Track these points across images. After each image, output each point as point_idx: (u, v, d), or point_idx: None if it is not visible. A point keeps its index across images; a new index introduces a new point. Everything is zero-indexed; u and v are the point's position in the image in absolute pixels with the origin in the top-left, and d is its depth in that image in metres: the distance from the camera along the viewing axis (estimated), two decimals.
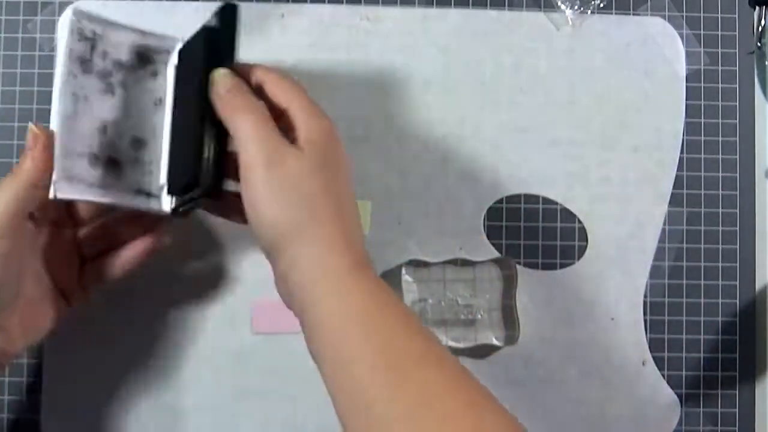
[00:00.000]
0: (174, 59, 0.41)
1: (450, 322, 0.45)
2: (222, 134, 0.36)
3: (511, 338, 0.45)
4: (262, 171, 0.34)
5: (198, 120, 0.37)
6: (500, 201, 0.47)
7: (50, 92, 0.37)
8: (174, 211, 0.39)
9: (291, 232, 0.34)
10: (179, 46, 0.41)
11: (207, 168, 0.36)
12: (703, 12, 0.48)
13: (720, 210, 0.48)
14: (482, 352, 0.46)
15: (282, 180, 0.34)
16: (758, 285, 0.48)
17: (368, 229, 0.46)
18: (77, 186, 0.37)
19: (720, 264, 0.48)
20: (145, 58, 0.40)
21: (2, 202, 0.35)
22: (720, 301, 0.48)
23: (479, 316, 0.45)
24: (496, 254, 0.46)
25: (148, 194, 0.39)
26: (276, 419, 0.46)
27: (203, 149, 0.36)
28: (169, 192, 0.39)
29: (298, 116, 0.36)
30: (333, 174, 0.36)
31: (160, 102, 0.41)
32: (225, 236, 0.46)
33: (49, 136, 0.36)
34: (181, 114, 0.40)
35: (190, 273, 0.46)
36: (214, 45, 0.38)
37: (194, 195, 0.37)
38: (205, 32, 0.39)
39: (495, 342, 0.46)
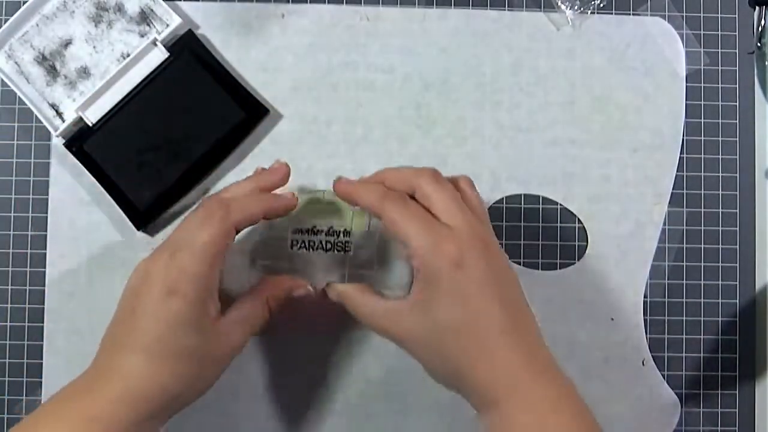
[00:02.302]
0: (162, 48, 0.45)
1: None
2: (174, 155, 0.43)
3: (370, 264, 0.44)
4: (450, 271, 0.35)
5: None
6: (500, 201, 0.47)
7: None
8: (68, 146, 0.44)
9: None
10: (176, 24, 0.45)
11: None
12: (703, 12, 0.48)
13: (720, 210, 0.48)
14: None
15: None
16: (758, 285, 0.48)
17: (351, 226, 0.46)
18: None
19: (720, 264, 0.48)
20: (144, 18, 0.43)
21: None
22: (720, 301, 0.48)
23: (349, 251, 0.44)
24: None
25: (58, 112, 0.44)
26: (275, 419, 0.46)
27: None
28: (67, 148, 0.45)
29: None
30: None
31: (123, 57, 0.45)
32: None
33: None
34: (144, 101, 0.44)
35: None
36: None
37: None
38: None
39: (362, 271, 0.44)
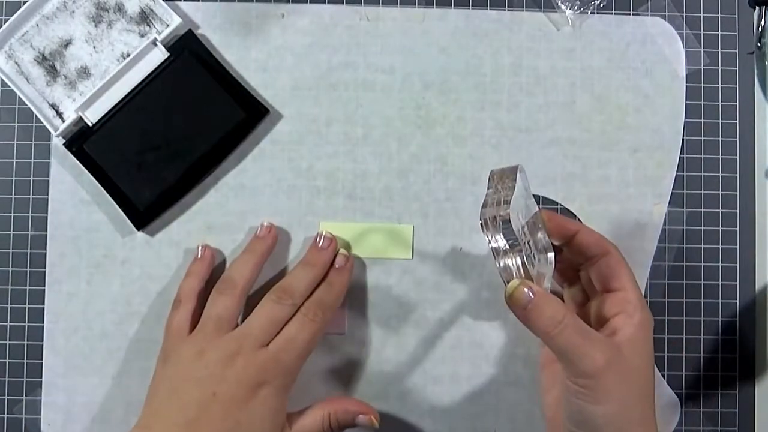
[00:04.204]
0: (162, 48, 0.45)
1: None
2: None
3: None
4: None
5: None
6: None
7: None
8: (68, 146, 0.45)
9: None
10: (176, 24, 0.45)
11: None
12: (703, 12, 0.48)
13: (720, 210, 0.48)
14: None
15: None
16: (758, 285, 0.48)
17: (411, 254, 0.46)
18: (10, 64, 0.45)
19: (720, 264, 0.48)
20: (144, 18, 0.43)
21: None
22: (720, 301, 0.47)
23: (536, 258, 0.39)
24: None
25: (58, 112, 0.44)
26: None
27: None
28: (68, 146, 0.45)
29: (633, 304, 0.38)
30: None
31: (123, 57, 0.45)
32: (217, 227, 0.46)
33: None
34: (144, 101, 0.44)
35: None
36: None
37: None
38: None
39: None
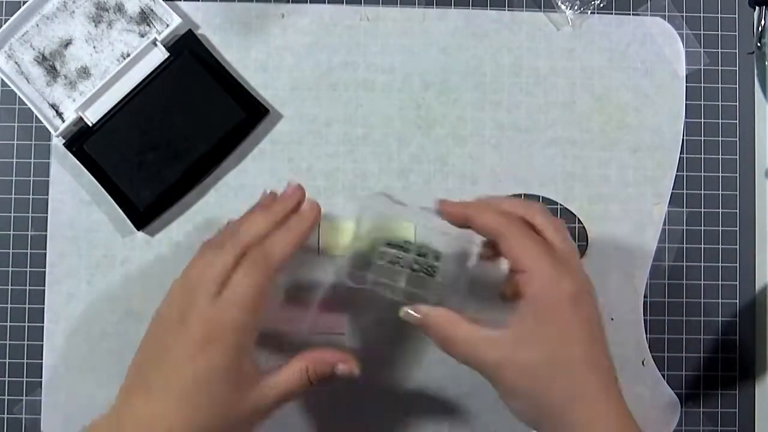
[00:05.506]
0: (162, 48, 0.45)
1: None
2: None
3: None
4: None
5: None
6: None
7: None
8: (68, 146, 0.45)
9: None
10: (176, 24, 0.45)
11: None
12: (703, 12, 0.48)
13: (720, 210, 0.48)
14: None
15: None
16: (758, 285, 0.48)
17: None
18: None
19: (720, 264, 0.48)
20: (144, 18, 0.43)
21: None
22: (720, 301, 0.47)
23: (438, 278, 0.41)
24: None
25: (58, 112, 0.44)
26: (276, 419, 0.46)
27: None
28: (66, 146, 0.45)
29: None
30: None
31: (123, 57, 0.45)
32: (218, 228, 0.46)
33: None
34: (144, 101, 0.44)
35: None
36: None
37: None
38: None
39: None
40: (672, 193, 0.48)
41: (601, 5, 0.48)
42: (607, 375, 0.35)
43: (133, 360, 0.37)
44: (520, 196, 0.47)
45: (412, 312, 0.37)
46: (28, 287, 0.46)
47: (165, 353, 0.35)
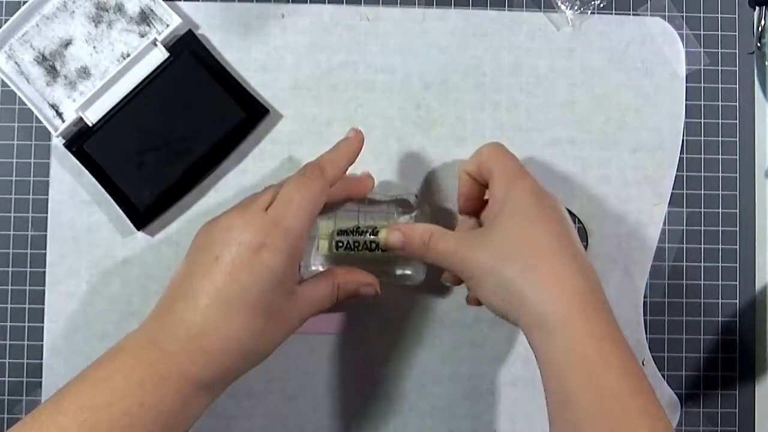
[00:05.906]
0: (162, 48, 0.45)
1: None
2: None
3: (419, 272, 0.44)
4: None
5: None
6: None
7: None
8: (68, 146, 0.45)
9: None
10: (176, 24, 0.45)
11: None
12: (703, 12, 0.48)
13: (720, 210, 0.48)
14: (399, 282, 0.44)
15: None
16: (758, 285, 0.48)
17: None
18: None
19: (720, 264, 0.48)
20: (144, 18, 0.43)
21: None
22: (720, 301, 0.48)
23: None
24: None
25: (58, 112, 0.44)
26: (276, 419, 0.46)
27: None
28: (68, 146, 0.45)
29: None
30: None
31: (123, 57, 0.45)
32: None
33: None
34: (144, 101, 0.45)
35: None
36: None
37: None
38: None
39: (408, 272, 0.44)
40: (672, 193, 0.48)
41: (601, 5, 0.48)
42: (572, 258, 0.36)
43: (173, 277, 0.37)
44: None
45: (389, 234, 0.40)
46: (28, 287, 0.46)
47: (214, 263, 0.35)
